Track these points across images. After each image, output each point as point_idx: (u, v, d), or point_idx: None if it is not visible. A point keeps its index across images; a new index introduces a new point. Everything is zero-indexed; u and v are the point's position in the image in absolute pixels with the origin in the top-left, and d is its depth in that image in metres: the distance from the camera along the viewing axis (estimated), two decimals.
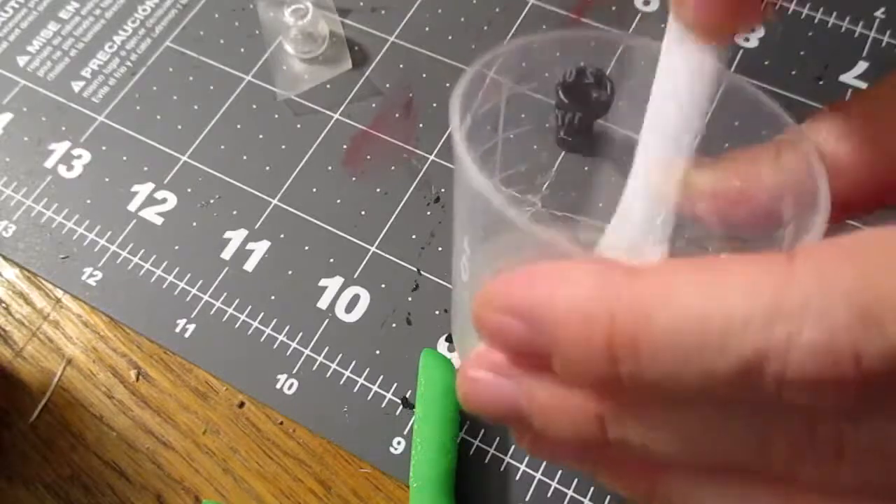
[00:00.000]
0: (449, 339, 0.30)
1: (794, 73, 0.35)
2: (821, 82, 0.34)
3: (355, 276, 0.31)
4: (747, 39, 0.35)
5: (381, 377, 0.29)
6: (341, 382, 0.29)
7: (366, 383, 0.29)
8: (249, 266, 0.32)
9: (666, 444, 0.15)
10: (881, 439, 0.13)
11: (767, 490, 0.15)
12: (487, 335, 0.16)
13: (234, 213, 0.33)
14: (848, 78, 0.34)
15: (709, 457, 0.15)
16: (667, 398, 0.14)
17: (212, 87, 0.37)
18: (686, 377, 0.13)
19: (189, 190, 0.34)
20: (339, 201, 0.33)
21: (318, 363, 0.30)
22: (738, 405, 0.14)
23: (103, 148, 0.35)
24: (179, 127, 0.36)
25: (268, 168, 0.34)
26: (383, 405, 0.29)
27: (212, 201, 0.34)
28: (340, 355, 0.30)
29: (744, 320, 0.13)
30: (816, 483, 0.14)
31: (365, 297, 0.31)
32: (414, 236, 0.32)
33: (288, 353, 0.30)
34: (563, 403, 0.16)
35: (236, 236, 0.33)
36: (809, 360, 0.12)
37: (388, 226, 0.32)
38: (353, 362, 0.30)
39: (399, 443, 0.28)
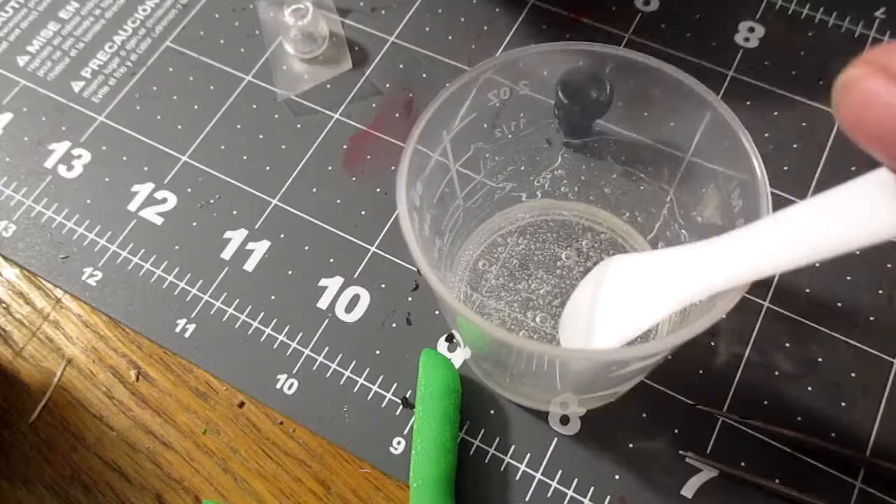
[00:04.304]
0: (449, 339, 0.30)
1: (794, 73, 0.35)
2: (821, 82, 0.34)
3: (355, 276, 0.31)
4: (747, 40, 0.35)
5: (381, 377, 0.29)
6: (341, 382, 0.29)
7: (366, 383, 0.29)
8: (249, 266, 0.32)
9: None
10: None
11: None
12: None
13: (234, 213, 0.33)
14: None
15: None
16: None
17: (212, 87, 0.37)
18: None
19: (189, 190, 0.34)
20: (339, 201, 0.33)
21: (318, 363, 0.30)
22: None
23: (103, 148, 0.35)
24: (179, 127, 0.36)
25: (268, 168, 0.34)
26: (383, 405, 0.29)
27: (212, 201, 0.34)
28: (340, 355, 0.30)
29: None
30: None
31: (365, 297, 0.31)
32: None
33: (288, 353, 0.30)
34: None
35: (236, 236, 0.33)
36: None
37: (388, 226, 0.32)
38: (353, 362, 0.30)
39: (399, 443, 0.28)
